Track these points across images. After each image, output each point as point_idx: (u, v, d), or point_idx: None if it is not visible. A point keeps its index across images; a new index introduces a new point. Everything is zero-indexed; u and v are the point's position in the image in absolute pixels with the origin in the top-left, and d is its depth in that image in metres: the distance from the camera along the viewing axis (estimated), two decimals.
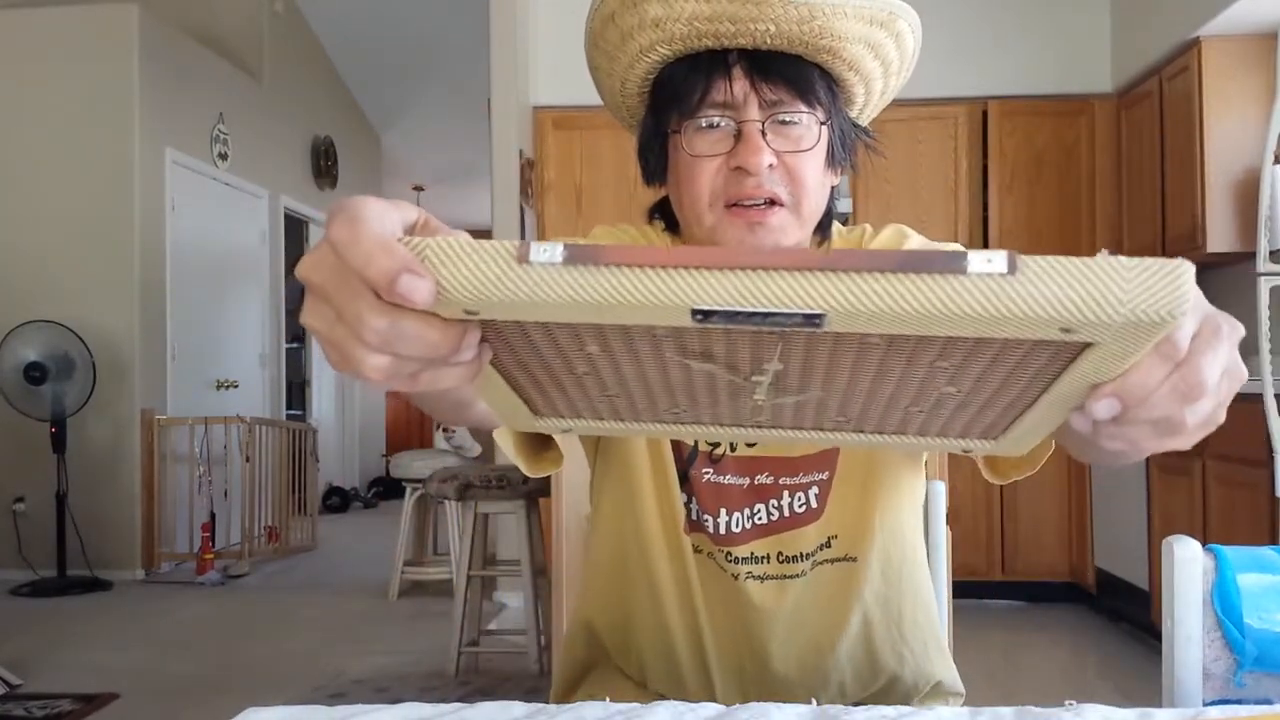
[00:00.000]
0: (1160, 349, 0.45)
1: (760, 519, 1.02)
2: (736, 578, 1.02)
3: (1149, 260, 0.38)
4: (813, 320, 0.39)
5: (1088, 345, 0.42)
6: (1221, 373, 0.48)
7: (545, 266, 0.40)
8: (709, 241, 0.96)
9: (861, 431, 0.58)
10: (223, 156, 6.49)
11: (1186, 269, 0.38)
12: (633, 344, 0.46)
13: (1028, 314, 0.38)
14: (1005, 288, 0.38)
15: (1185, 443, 0.51)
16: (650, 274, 0.40)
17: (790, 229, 0.95)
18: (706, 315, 0.40)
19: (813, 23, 0.90)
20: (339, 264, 0.42)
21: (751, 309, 0.39)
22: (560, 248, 0.40)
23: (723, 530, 1.03)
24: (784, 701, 1.02)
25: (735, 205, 0.93)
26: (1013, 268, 0.38)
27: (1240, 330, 0.48)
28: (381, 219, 0.43)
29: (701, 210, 0.95)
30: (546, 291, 0.40)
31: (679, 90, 0.94)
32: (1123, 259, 0.38)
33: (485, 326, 0.46)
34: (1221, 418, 0.51)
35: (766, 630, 1.02)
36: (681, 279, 0.39)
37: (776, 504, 1.02)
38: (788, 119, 0.93)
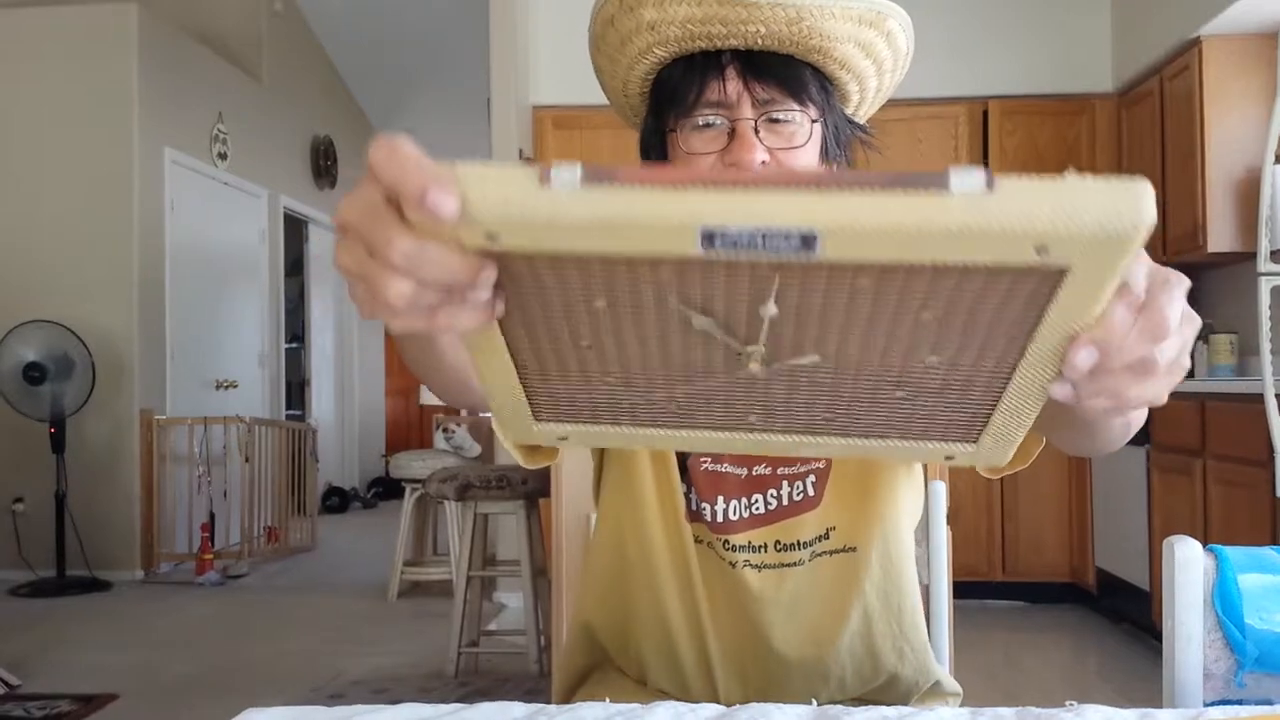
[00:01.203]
0: (1122, 296, 0.48)
1: (758, 509, 1.03)
2: (734, 565, 1.03)
3: (1113, 178, 0.41)
4: (809, 242, 0.42)
5: (1061, 276, 0.44)
6: (1180, 314, 0.51)
7: (565, 186, 0.43)
8: None
9: (848, 435, 0.60)
10: (222, 156, 6.49)
11: (1147, 185, 0.41)
12: (639, 295, 0.48)
13: (1005, 228, 0.41)
14: (984, 203, 0.41)
15: (1161, 388, 0.54)
16: (661, 192, 0.42)
17: None
18: (712, 237, 0.42)
19: (801, 24, 0.92)
20: (373, 199, 0.46)
21: (754, 226, 0.42)
22: (579, 167, 0.43)
23: (720, 518, 1.04)
24: (785, 695, 1.02)
25: None
26: (991, 185, 0.41)
27: (1186, 281, 0.52)
28: (415, 149, 0.46)
29: None
30: (564, 210, 0.43)
31: (675, 91, 0.97)
32: (1090, 177, 0.41)
33: (500, 274, 0.48)
34: (1186, 362, 0.54)
35: (767, 619, 1.02)
36: (689, 196, 0.42)
37: (775, 494, 1.04)
38: (780, 117, 0.96)
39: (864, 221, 0.41)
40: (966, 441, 0.59)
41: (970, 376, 0.53)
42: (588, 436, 0.61)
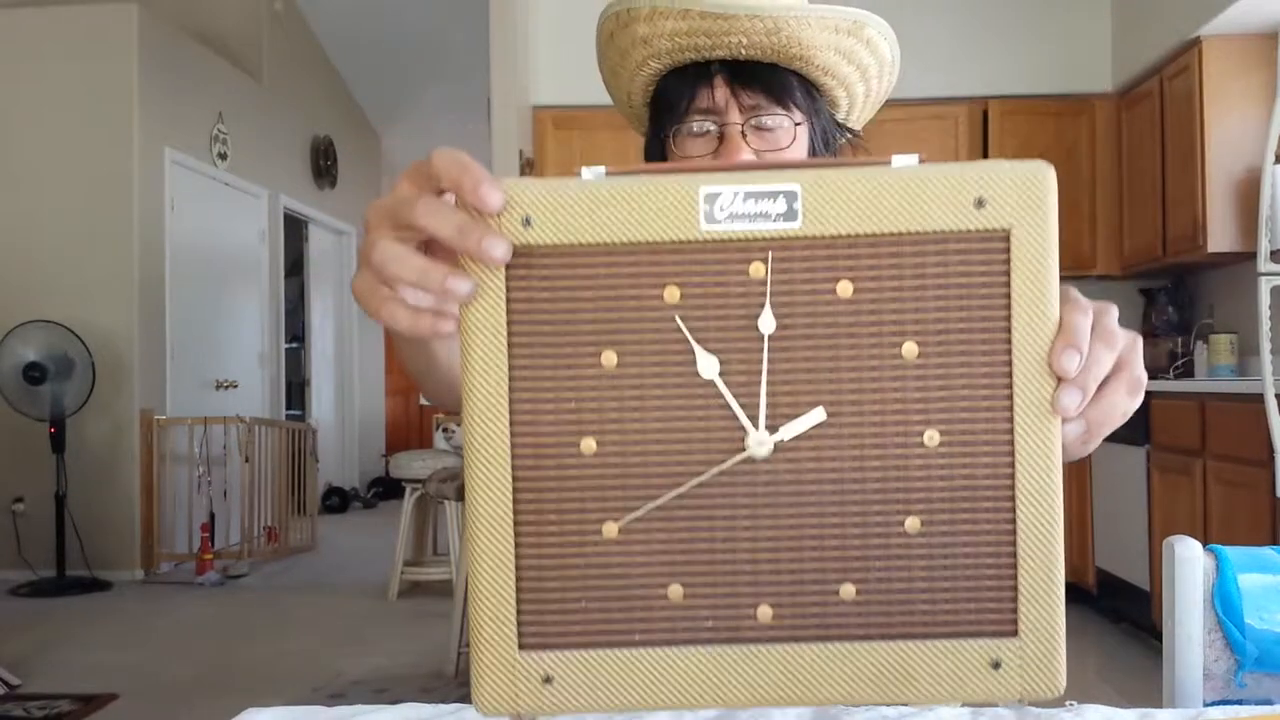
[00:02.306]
0: (1070, 305, 0.53)
1: None
2: None
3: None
4: (791, 200, 0.51)
5: (1007, 247, 0.52)
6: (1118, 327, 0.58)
7: (594, 176, 0.52)
8: None
9: (868, 633, 0.54)
10: (222, 156, 6.49)
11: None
12: (643, 333, 0.52)
13: (944, 177, 0.51)
14: (920, 168, 0.52)
15: (1138, 397, 0.57)
16: (669, 175, 0.52)
17: None
18: (713, 199, 0.51)
19: (780, 34, 0.98)
20: (409, 190, 0.52)
21: (747, 188, 0.51)
22: (604, 168, 0.52)
23: None
24: None
25: None
26: (922, 162, 0.52)
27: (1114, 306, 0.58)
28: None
29: None
30: (593, 189, 0.51)
31: (670, 99, 1.04)
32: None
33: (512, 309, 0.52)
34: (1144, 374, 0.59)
35: None
36: (693, 175, 0.52)
37: None
38: (766, 122, 1.03)
39: (833, 179, 0.51)
40: (1002, 632, 0.54)
41: (972, 452, 0.53)
42: (577, 678, 0.54)
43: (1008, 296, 0.52)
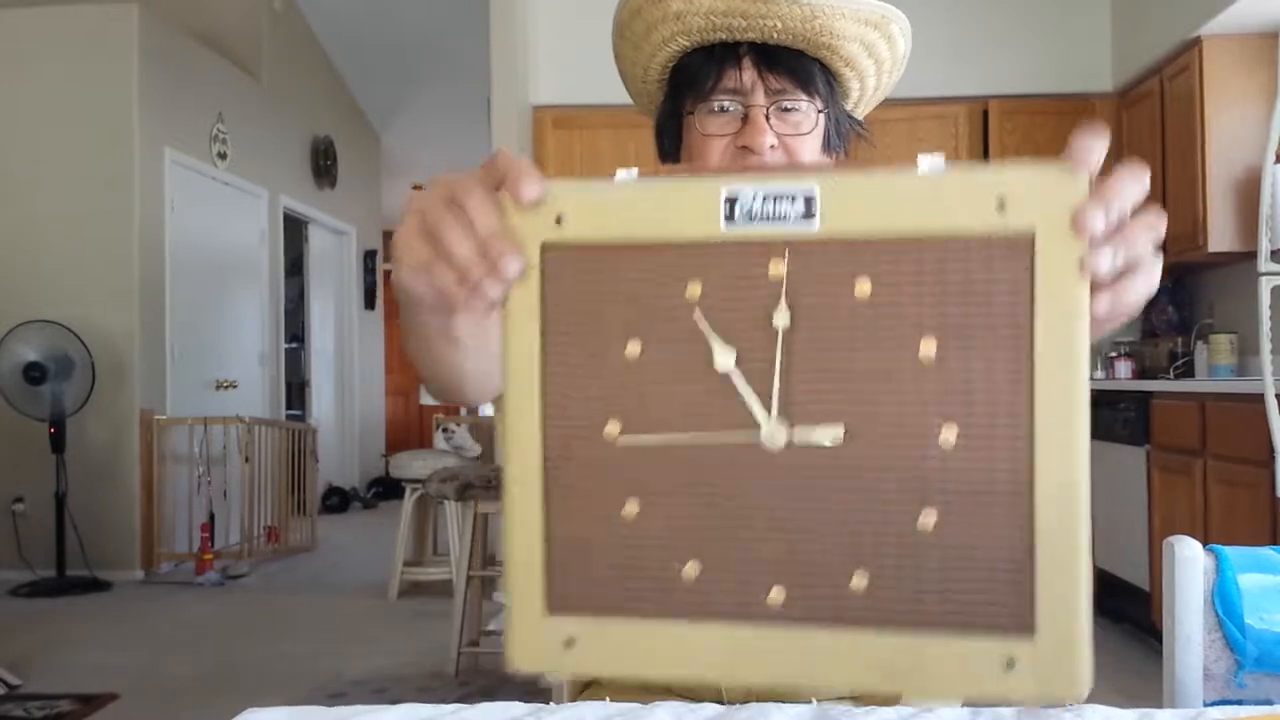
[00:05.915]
0: (1131, 173, 0.55)
1: None
2: None
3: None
4: (810, 204, 0.53)
5: (1031, 252, 0.51)
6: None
7: (627, 178, 0.55)
8: None
9: (882, 623, 0.54)
10: (222, 156, 6.49)
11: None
12: (667, 325, 0.55)
13: (966, 181, 0.52)
14: (945, 172, 0.52)
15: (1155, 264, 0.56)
16: (694, 177, 0.55)
17: None
18: (733, 201, 0.53)
19: (814, 21, 1.00)
20: (472, 176, 0.57)
21: (766, 189, 0.53)
22: (636, 170, 0.55)
23: None
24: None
25: None
26: (949, 166, 0.52)
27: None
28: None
29: None
30: (624, 190, 0.54)
31: (695, 76, 1.06)
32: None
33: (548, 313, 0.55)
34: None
35: None
36: (716, 177, 0.54)
37: None
38: (790, 106, 1.04)
39: (853, 182, 0.53)
40: (1019, 630, 0.52)
41: (990, 449, 0.52)
42: (596, 643, 0.56)
43: (1031, 297, 0.52)
